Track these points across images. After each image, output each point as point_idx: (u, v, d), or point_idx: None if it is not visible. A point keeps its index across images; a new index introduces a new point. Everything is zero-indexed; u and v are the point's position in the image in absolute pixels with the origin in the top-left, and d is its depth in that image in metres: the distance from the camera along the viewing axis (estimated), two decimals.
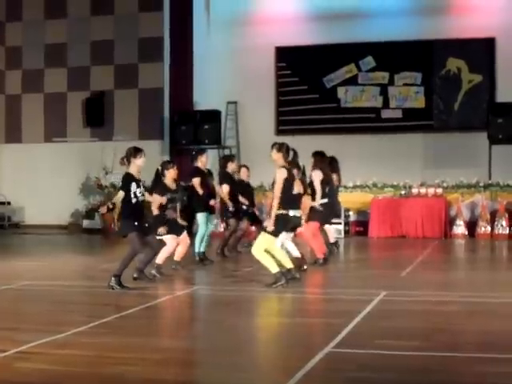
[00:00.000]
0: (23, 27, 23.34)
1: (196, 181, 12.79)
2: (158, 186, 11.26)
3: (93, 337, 6.82)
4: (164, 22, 22.05)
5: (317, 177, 12.44)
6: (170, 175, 11.40)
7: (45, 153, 22.81)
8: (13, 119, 23.30)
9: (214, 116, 21.46)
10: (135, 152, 10.18)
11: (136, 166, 10.13)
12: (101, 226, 21.47)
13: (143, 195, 10.12)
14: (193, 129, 21.29)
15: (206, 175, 13.00)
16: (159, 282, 10.55)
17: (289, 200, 9.86)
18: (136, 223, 10.02)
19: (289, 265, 10.08)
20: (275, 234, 9.81)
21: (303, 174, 11.65)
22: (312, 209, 12.34)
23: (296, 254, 11.18)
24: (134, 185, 10.00)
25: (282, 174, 9.80)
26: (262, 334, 7.30)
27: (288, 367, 5.65)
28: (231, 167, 13.85)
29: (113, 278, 10.06)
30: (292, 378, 5.26)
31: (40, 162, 22.75)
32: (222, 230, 18.97)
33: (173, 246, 11.27)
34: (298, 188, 10.17)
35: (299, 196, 10.31)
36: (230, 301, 9.25)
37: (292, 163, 10.42)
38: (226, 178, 13.72)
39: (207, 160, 13.17)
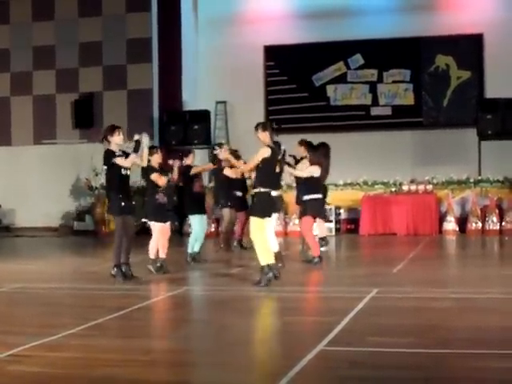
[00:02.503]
0: (11, 30, 23.24)
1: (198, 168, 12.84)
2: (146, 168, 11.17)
3: (84, 339, 6.80)
4: (152, 23, 22.02)
5: (314, 171, 12.40)
6: (155, 160, 11.40)
7: (34, 155, 22.74)
8: (2, 122, 23.21)
9: (203, 116, 21.43)
10: (112, 129, 10.18)
11: (114, 144, 10.14)
12: (92, 227, 21.46)
13: (129, 169, 10.14)
14: (182, 129, 21.26)
15: (196, 175, 12.97)
16: (150, 283, 10.55)
17: (270, 180, 9.85)
18: (123, 204, 10.07)
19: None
20: (261, 215, 9.76)
21: (283, 157, 11.57)
22: (304, 204, 12.36)
23: (275, 249, 10.77)
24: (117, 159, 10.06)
25: (264, 152, 9.79)
26: (254, 334, 7.29)
27: (280, 366, 5.65)
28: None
29: (115, 269, 10.13)
30: (284, 376, 5.25)
31: (30, 164, 22.68)
32: (213, 229, 18.98)
33: (159, 236, 11.27)
34: (277, 168, 10.16)
35: (279, 175, 10.32)
36: (220, 301, 9.25)
37: (275, 143, 10.41)
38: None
39: (193, 160, 13.08)
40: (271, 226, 10.51)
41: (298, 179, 12.72)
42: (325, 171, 13.23)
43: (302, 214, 12.56)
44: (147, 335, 7.07)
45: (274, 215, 10.43)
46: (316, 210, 12.47)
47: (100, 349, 6.40)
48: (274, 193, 9.87)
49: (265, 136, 9.92)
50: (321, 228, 14.60)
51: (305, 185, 12.45)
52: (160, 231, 11.39)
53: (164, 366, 5.86)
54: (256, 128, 10.02)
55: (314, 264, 12.08)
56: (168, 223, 11.66)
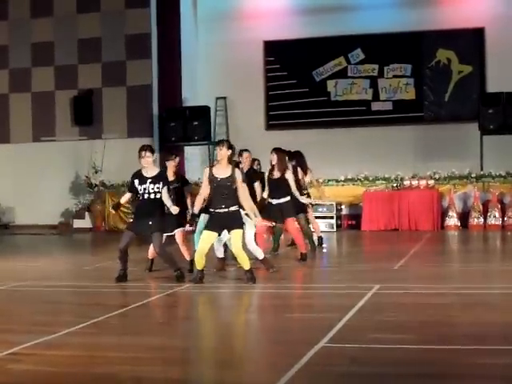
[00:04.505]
0: (9, 26, 23.17)
1: None
2: None
3: (84, 337, 6.79)
4: (151, 19, 21.95)
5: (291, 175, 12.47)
6: (170, 169, 11.32)
7: (33, 152, 22.67)
8: (0, 119, 23.15)
9: (203, 112, 21.37)
10: (138, 151, 10.27)
11: (141, 164, 10.23)
12: (91, 225, 21.43)
13: (150, 192, 10.06)
14: (182, 125, 21.21)
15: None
16: (150, 281, 10.52)
17: (214, 199, 9.84)
18: (132, 220, 10.36)
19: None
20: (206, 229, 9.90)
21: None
22: (281, 207, 12.26)
23: (220, 255, 11.08)
24: (136, 181, 10.15)
25: (205, 173, 9.84)
26: (254, 331, 7.26)
27: (281, 363, 5.61)
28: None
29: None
30: (285, 374, 5.22)
31: (29, 161, 22.61)
32: None
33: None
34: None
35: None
36: (221, 298, 9.27)
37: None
38: None
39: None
40: (250, 235, 10.60)
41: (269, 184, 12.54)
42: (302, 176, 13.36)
43: (287, 215, 12.41)
44: (148, 333, 7.03)
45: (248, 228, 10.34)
46: (294, 209, 12.44)
47: (100, 347, 6.39)
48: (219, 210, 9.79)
49: (225, 154, 9.75)
50: (316, 227, 14.66)
51: (278, 188, 12.29)
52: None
53: (165, 363, 5.82)
54: (221, 143, 9.87)
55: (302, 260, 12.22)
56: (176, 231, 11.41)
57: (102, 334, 6.91)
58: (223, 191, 9.69)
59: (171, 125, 21.27)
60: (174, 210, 10.09)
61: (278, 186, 12.23)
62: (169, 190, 10.61)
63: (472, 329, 6.69)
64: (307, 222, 13.85)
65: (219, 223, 9.74)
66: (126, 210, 20.81)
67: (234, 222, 9.72)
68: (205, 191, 9.90)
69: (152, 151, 10.30)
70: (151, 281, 10.58)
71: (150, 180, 10.13)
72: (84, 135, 22.50)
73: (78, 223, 21.64)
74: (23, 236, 20.64)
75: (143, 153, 10.23)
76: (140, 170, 10.26)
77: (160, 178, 10.19)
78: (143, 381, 5.36)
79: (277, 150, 12.44)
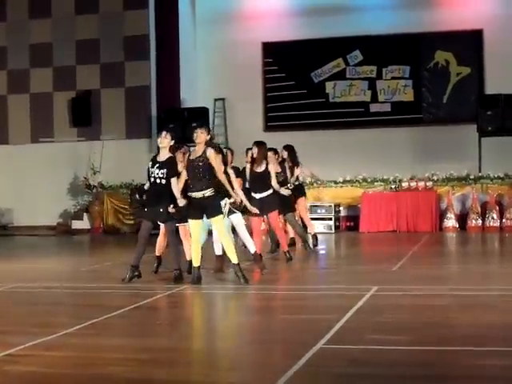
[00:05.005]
0: (7, 27, 23.13)
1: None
2: None
3: (82, 338, 6.76)
4: (149, 20, 21.93)
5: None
6: (177, 158, 11.29)
7: (32, 153, 22.63)
8: None
9: (201, 113, 21.31)
10: (158, 133, 10.30)
11: (159, 144, 10.32)
12: (89, 226, 21.40)
13: (156, 177, 10.02)
14: (181, 126, 21.13)
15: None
16: (148, 282, 10.50)
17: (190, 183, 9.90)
18: (146, 209, 10.22)
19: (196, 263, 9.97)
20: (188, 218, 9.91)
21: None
22: (269, 199, 12.20)
23: (218, 252, 11.01)
24: (150, 164, 10.19)
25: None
26: (252, 332, 7.23)
27: (279, 364, 5.61)
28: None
29: (130, 267, 10.11)
30: (283, 375, 5.20)
31: (27, 162, 22.57)
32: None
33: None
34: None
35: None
36: (219, 299, 9.25)
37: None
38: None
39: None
40: (242, 231, 10.78)
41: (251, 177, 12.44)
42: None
43: (270, 209, 12.38)
44: (146, 334, 7.01)
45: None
46: (279, 205, 12.42)
47: (98, 348, 6.37)
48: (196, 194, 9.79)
49: (204, 138, 9.84)
50: (311, 225, 14.65)
51: (260, 182, 12.24)
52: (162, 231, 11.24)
53: (162, 364, 5.80)
54: (201, 127, 9.99)
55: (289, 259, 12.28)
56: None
57: (100, 335, 6.90)
58: (196, 172, 9.74)
59: (170, 126, 21.13)
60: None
61: (260, 180, 12.18)
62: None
63: (471, 330, 6.68)
64: (302, 223, 13.86)
65: (198, 209, 9.77)
66: (123, 211, 20.87)
67: (213, 208, 9.77)
68: (182, 175, 9.98)
69: (172, 136, 10.30)
70: (149, 282, 10.54)
71: (157, 165, 10.11)
72: (82, 136, 22.47)
73: (76, 224, 21.62)
74: (22, 237, 20.64)
75: (163, 133, 10.31)
76: (156, 155, 10.30)
77: (167, 164, 10.12)
78: (140, 382, 5.33)
79: (258, 144, 12.40)
